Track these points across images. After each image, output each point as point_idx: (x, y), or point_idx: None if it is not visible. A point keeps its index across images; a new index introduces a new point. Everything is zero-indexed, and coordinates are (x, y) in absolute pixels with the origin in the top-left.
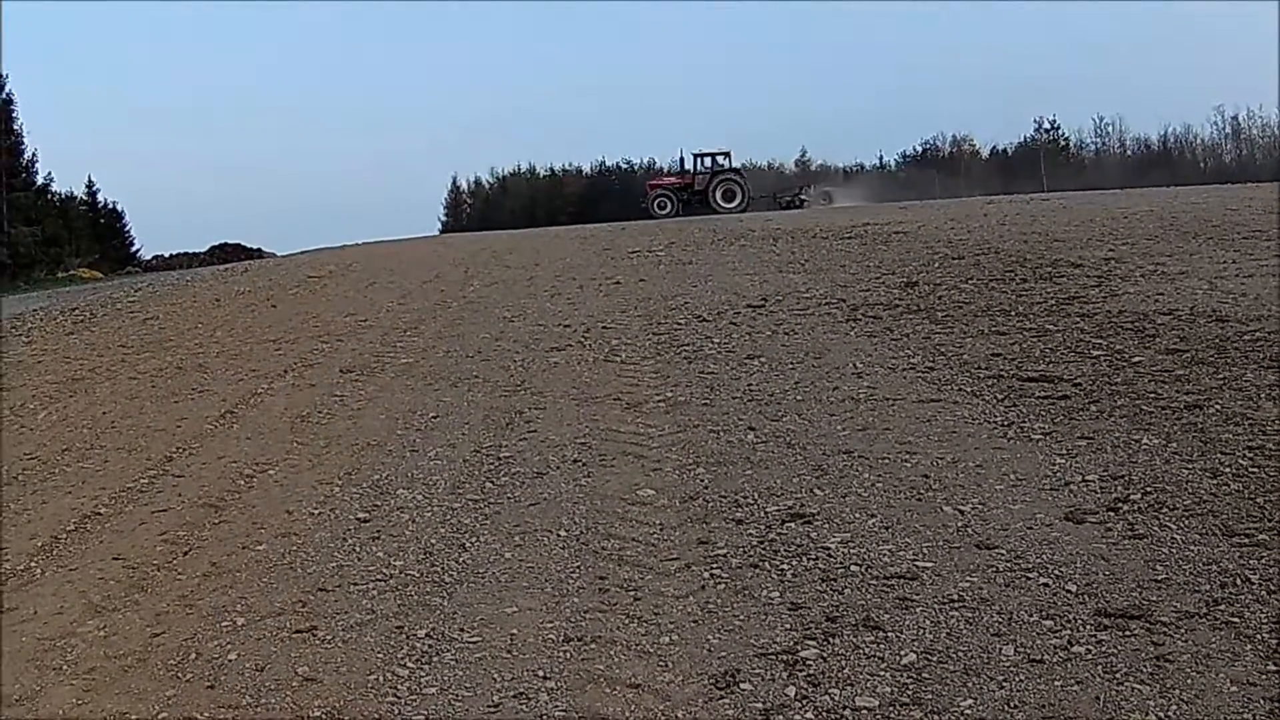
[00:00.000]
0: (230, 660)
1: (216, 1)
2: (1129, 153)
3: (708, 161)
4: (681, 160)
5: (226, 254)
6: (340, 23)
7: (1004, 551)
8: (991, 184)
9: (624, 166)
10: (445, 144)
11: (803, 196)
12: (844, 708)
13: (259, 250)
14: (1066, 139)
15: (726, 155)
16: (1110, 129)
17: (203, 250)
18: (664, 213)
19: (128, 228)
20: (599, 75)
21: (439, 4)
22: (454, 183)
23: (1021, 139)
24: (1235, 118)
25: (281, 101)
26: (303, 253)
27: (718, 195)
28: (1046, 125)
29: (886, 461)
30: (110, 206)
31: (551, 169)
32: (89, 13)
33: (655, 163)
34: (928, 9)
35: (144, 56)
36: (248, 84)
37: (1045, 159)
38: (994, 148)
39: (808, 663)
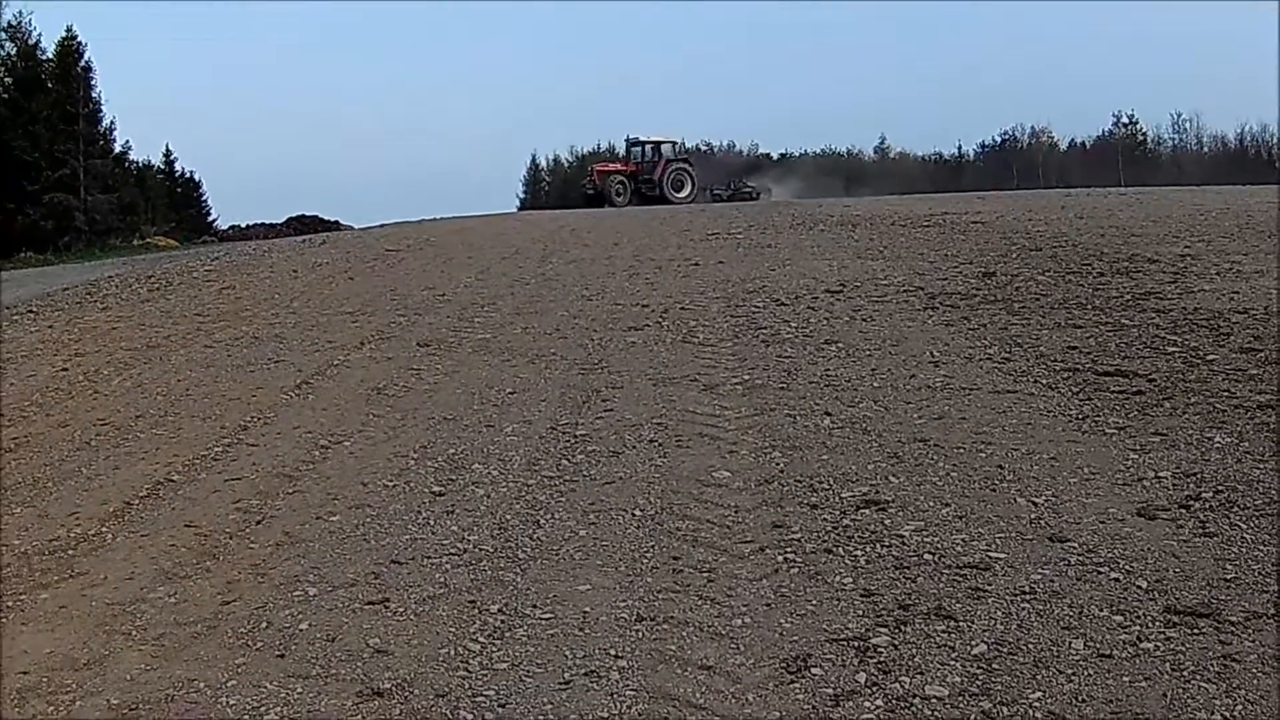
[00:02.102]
0: (301, 630)
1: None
2: (1206, 150)
3: (656, 148)
4: (638, 145)
5: (304, 225)
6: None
7: (1076, 545)
8: (1070, 178)
9: (703, 149)
10: (526, 121)
11: (751, 186)
12: (914, 696)
13: (336, 223)
14: (1144, 135)
15: (673, 143)
16: (1188, 126)
17: (280, 221)
18: (621, 200)
19: (204, 197)
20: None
21: None
22: (533, 160)
23: (1100, 133)
24: None
25: (362, 73)
26: (380, 226)
27: (668, 184)
28: (1125, 120)
29: (961, 451)
30: (187, 175)
31: (733, 146)
32: None
33: (734, 145)
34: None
35: (225, 26)
36: (329, 55)
37: (1123, 154)
38: (1072, 140)
39: (879, 650)
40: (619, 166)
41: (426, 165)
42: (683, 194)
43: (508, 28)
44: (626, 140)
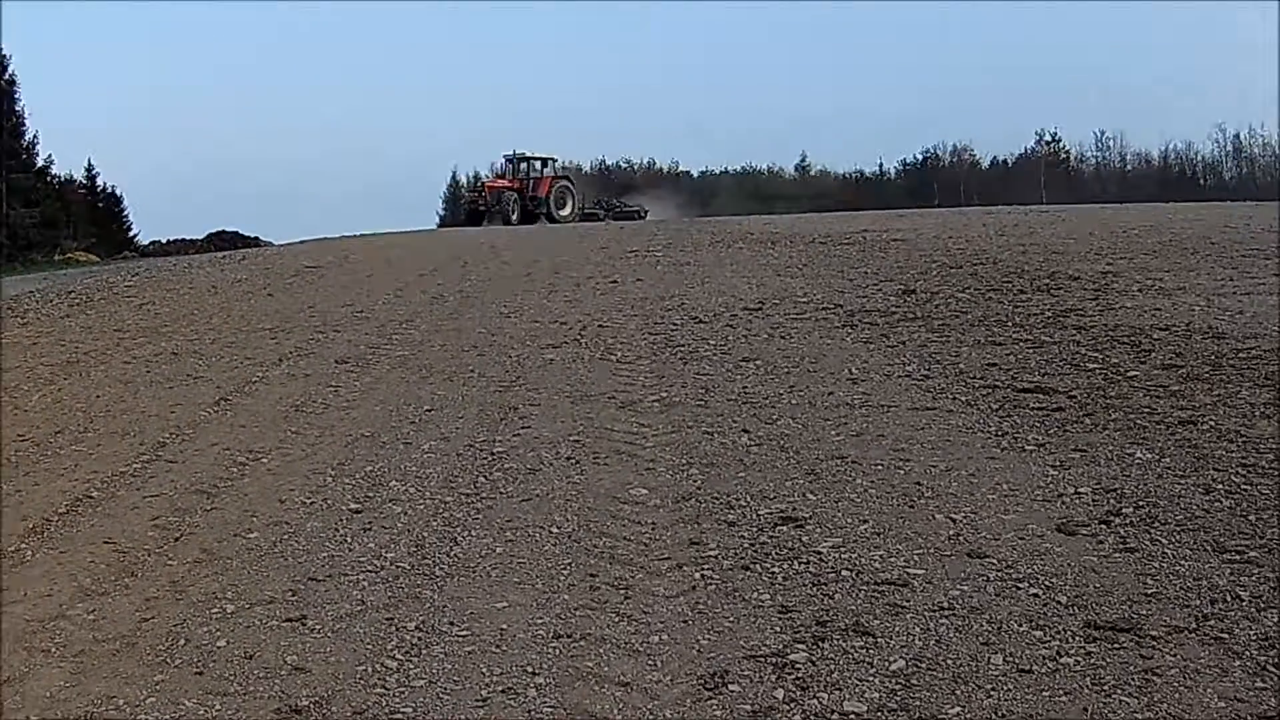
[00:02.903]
0: (219, 647)
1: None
2: (1129, 168)
3: (543, 164)
4: (515, 161)
5: (224, 241)
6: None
7: (995, 561)
8: (992, 196)
9: (624, 166)
10: (446, 138)
11: (634, 206)
12: (832, 712)
13: (256, 239)
14: (1067, 153)
15: (550, 161)
16: (1111, 143)
17: (200, 237)
18: (515, 218)
19: (126, 212)
20: (603, 73)
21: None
22: (453, 177)
23: (1023, 151)
24: (1237, 135)
25: (284, 90)
26: (301, 243)
27: (554, 201)
28: (1048, 138)
29: (880, 468)
30: (109, 190)
31: (605, 163)
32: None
33: (654, 163)
34: (935, 15)
35: (148, 41)
36: (250, 70)
37: (1045, 172)
38: (994, 158)
39: (797, 666)
40: (509, 183)
41: (348, 182)
42: (565, 211)
43: (427, 46)
44: (510, 156)
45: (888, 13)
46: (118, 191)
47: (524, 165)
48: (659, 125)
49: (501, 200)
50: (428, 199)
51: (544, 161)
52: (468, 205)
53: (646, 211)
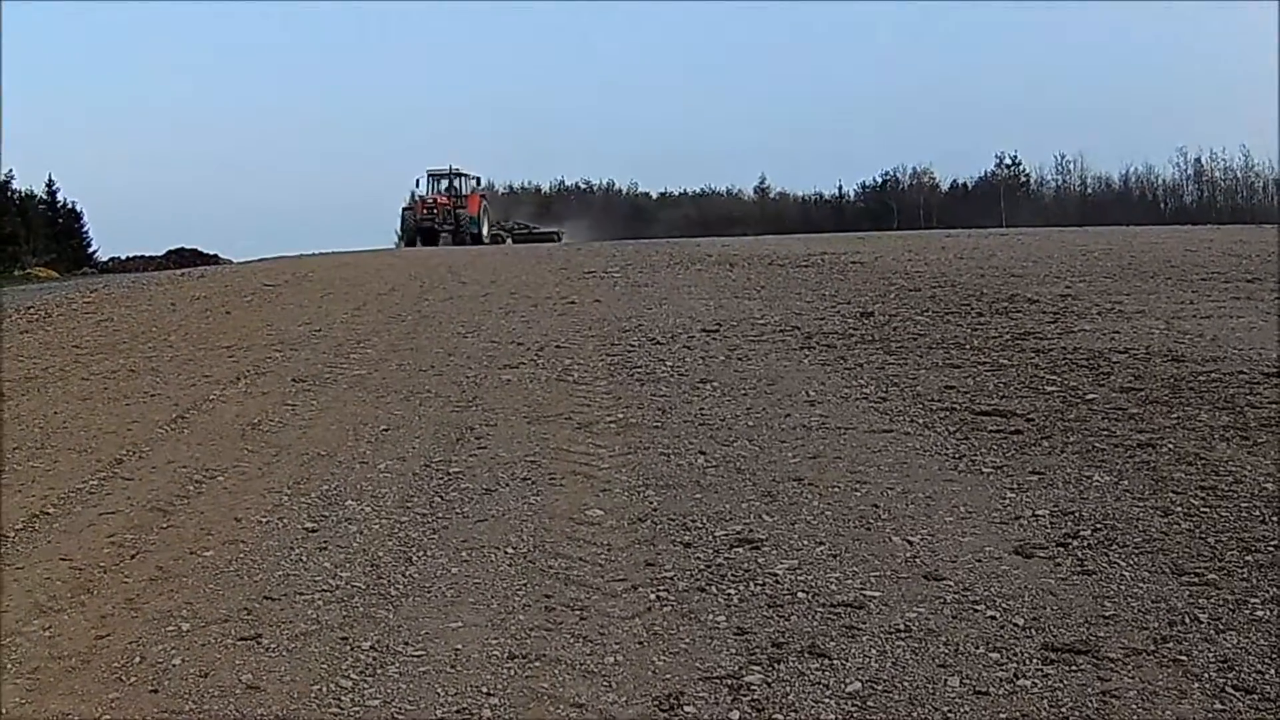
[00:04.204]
0: (174, 665)
1: (183, 4)
2: (1090, 191)
3: (465, 182)
4: (451, 177)
5: (183, 259)
6: (312, 28)
7: (952, 583)
8: (951, 219)
9: (582, 187)
10: (408, 158)
11: (551, 229)
12: None
13: (215, 256)
14: (1027, 175)
15: (479, 178)
16: (1071, 166)
17: (160, 254)
18: (450, 238)
19: (86, 229)
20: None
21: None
22: (412, 196)
23: (982, 174)
24: (1198, 159)
25: (246, 108)
26: (259, 260)
27: (484, 220)
28: (1008, 161)
29: (836, 490)
30: (69, 206)
31: (510, 186)
32: (55, 13)
33: (613, 184)
34: (896, 39)
35: (109, 58)
36: (209, 89)
37: (1005, 195)
38: (954, 181)
39: (752, 688)
40: (446, 201)
41: (307, 200)
42: (486, 231)
43: (390, 63)
44: (442, 172)
45: (845, 34)
46: (78, 207)
47: (457, 182)
48: (611, 146)
49: (459, 219)
50: (386, 218)
51: (476, 179)
52: (417, 224)
53: (561, 235)
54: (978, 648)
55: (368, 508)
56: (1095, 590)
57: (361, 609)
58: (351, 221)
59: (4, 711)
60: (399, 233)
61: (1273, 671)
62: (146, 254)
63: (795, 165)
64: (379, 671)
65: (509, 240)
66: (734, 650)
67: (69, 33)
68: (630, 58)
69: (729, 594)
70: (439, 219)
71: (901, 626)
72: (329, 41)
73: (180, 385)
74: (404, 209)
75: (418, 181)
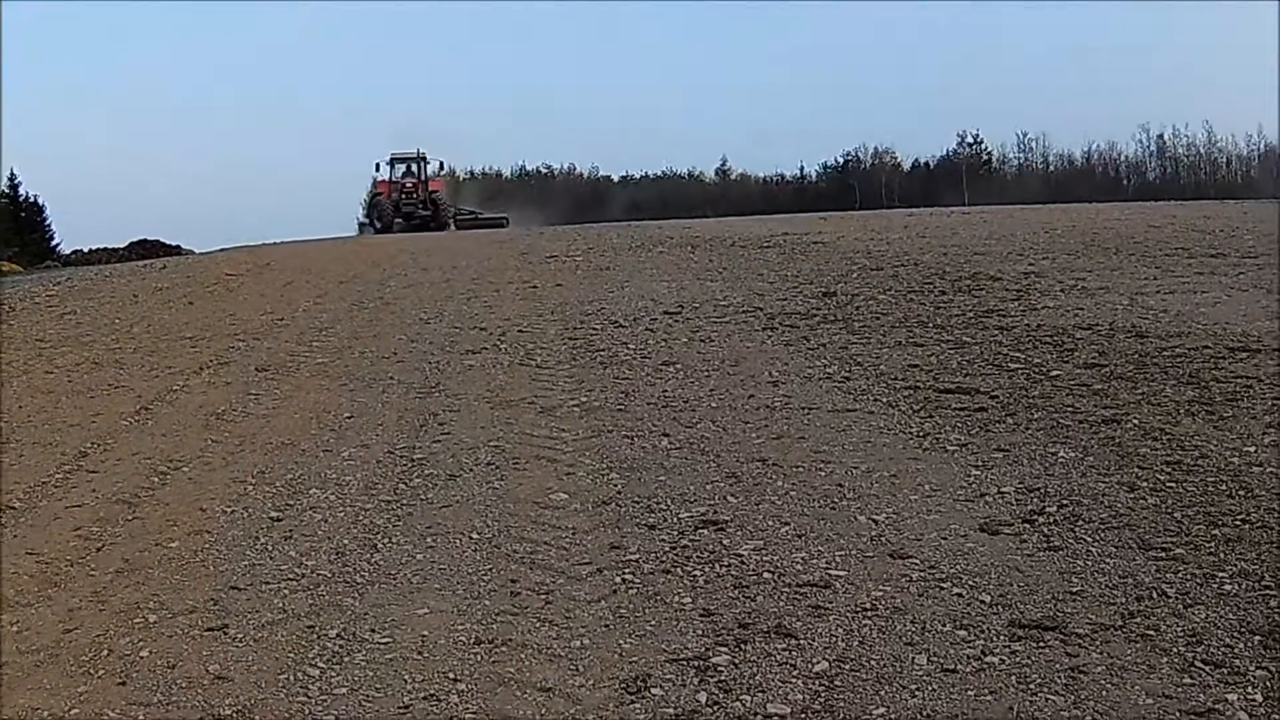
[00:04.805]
0: (142, 657)
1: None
2: (1052, 169)
3: (427, 167)
4: (419, 161)
5: (146, 250)
6: (272, 18)
7: (918, 561)
8: (913, 198)
9: (543, 171)
10: (369, 144)
11: (490, 216)
12: (755, 714)
13: (178, 247)
14: (989, 154)
15: (440, 162)
16: (1034, 145)
17: (122, 246)
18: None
19: (48, 222)
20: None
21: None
22: (374, 184)
23: (945, 152)
24: (1160, 136)
25: (206, 97)
26: (221, 250)
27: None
28: (969, 140)
29: (801, 470)
30: (31, 200)
31: (471, 171)
32: (11, 9)
33: (574, 168)
34: (854, 17)
35: (69, 50)
36: (168, 77)
37: (967, 173)
38: (916, 161)
39: (719, 669)
40: (414, 184)
41: (270, 188)
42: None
43: (350, 49)
44: (406, 156)
45: (806, 15)
46: (39, 201)
47: (416, 166)
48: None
49: (437, 203)
50: (348, 206)
51: (440, 164)
52: (396, 209)
53: (508, 221)
54: (945, 625)
55: (332, 496)
56: (1062, 566)
57: (327, 597)
58: (309, 210)
59: None
60: (371, 220)
61: (1242, 645)
62: (109, 246)
63: (757, 147)
64: (346, 659)
65: (452, 227)
66: (700, 632)
67: (26, 26)
68: (587, 40)
69: (694, 576)
70: (420, 204)
71: (868, 605)
72: (278, 29)
73: (144, 376)
74: (375, 194)
75: (378, 166)
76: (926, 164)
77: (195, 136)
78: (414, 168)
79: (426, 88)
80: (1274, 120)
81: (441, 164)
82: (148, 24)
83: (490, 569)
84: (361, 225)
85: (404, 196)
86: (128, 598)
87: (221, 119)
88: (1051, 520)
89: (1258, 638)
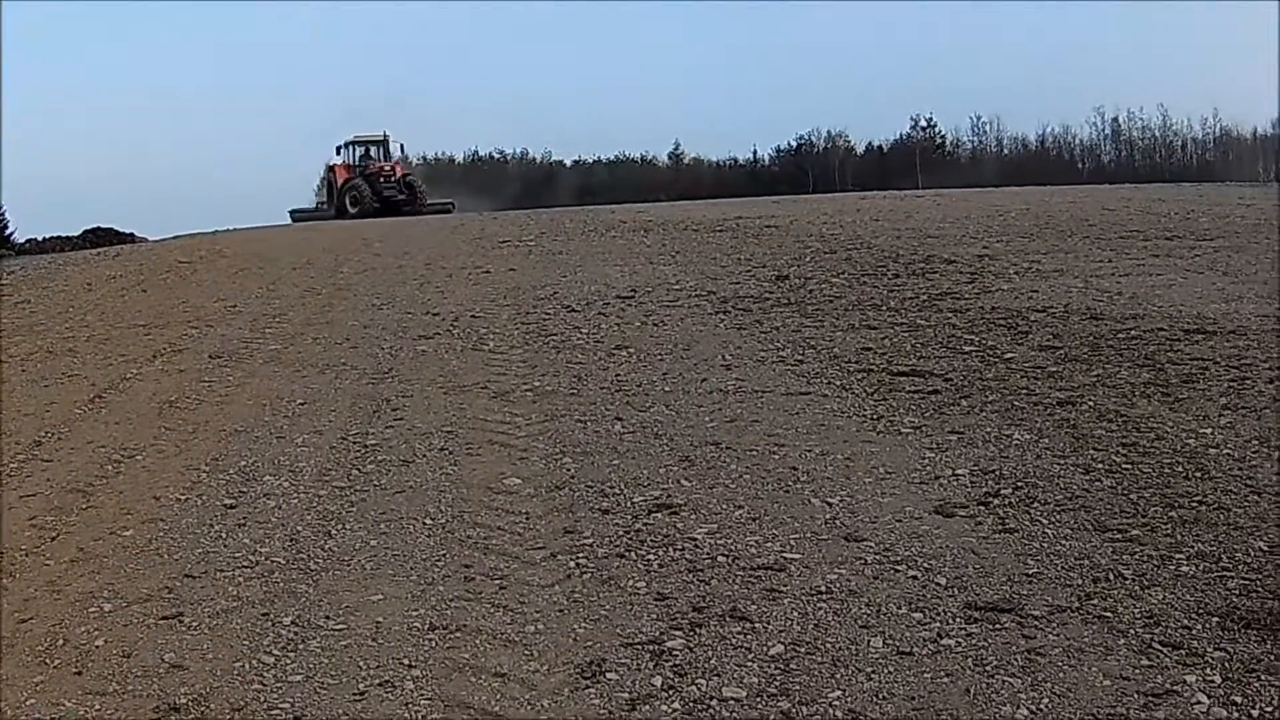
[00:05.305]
0: (97, 646)
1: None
2: (1006, 152)
3: (371, 150)
4: (385, 144)
5: (99, 238)
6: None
7: (872, 544)
8: (867, 181)
9: (495, 156)
10: (322, 130)
11: (435, 202)
12: (711, 698)
13: (132, 235)
14: (943, 137)
15: (400, 144)
16: (988, 128)
17: (76, 234)
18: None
19: (2, 210)
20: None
21: None
22: (328, 169)
23: (898, 136)
24: (1115, 119)
25: (158, 85)
26: (175, 238)
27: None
28: (923, 123)
29: (754, 453)
30: None
31: (424, 157)
32: None
33: (527, 152)
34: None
35: (21, 40)
36: (125, 67)
37: (921, 157)
38: (870, 144)
39: (674, 653)
40: (399, 169)
41: (223, 175)
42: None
43: (301, 34)
44: (371, 139)
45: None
46: None
47: (376, 150)
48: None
49: (414, 187)
50: (301, 192)
51: (400, 146)
52: (377, 194)
53: (453, 206)
54: (900, 608)
55: (286, 482)
56: (1017, 548)
57: (282, 584)
58: (271, 196)
59: None
60: (341, 204)
61: (1199, 627)
62: (63, 235)
63: (710, 131)
64: (300, 646)
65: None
66: (655, 616)
67: None
68: (538, 26)
69: (649, 560)
70: (398, 188)
71: (822, 588)
72: (224, 18)
73: (97, 365)
74: (351, 179)
75: (339, 149)
76: (880, 147)
77: (150, 123)
78: (376, 150)
79: (373, 72)
80: (1229, 104)
81: (401, 147)
82: (103, 13)
83: (444, 554)
84: (298, 212)
85: (384, 180)
86: (83, 587)
87: (177, 106)
88: (1007, 502)
89: (1215, 619)
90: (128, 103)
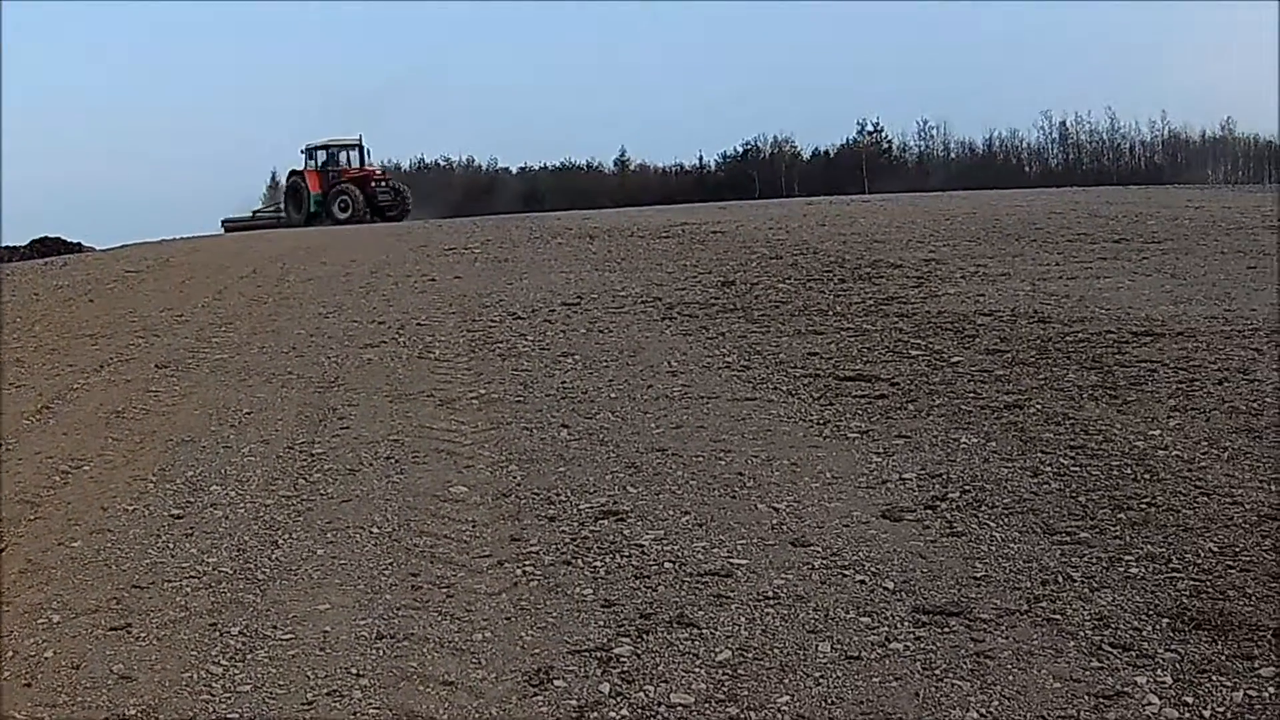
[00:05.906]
0: (46, 658)
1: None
2: (953, 156)
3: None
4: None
5: (46, 248)
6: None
7: (819, 549)
8: (813, 186)
9: (442, 164)
10: (266, 140)
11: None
12: (658, 705)
13: (79, 244)
14: (889, 142)
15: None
16: (935, 132)
17: (23, 244)
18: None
19: None
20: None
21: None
22: (273, 177)
23: (845, 141)
24: (1063, 123)
25: (105, 94)
26: (122, 247)
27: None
28: (869, 128)
29: (700, 459)
30: None
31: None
32: None
33: (473, 160)
34: (753, 7)
35: None
36: (71, 77)
37: (867, 161)
38: (816, 149)
39: (621, 660)
40: (386, 175)
41: (170, 184)
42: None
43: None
44: (346, 143)
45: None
46: None
47: (357, 154)
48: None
49: (398, 192)
50: (248, 199)
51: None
52: (370, 200)
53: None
54: (848, 612)
55: (232, 492)
56: (965, 551)
57: (229, 594)
58: (217, 205)
59: None
60: (323, 210)
61: (1149, 628)
62: (10, 244)
63: (655, 137)
64: (249, 656)
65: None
66: (602, 622)
67: None
68: (482, 32)
69: (595, 566)
70: (392, 194)
71: (770, 594)
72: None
73: (45, 375)
74: (338, 184)
75: (308, 153)
76: (826, 153)
77: (95, 132)
78: (347, 155)
79: (319, 79)
80: (1177, 107)
81: (369, 152)
82: (55, 20)
83: (391, 563)
84: (230, 222)
85: (377, 185)
86: (31, 598)
87: (125, 116)
88: (954, 506)
89: (1165, 620)
90: (77, 109)
